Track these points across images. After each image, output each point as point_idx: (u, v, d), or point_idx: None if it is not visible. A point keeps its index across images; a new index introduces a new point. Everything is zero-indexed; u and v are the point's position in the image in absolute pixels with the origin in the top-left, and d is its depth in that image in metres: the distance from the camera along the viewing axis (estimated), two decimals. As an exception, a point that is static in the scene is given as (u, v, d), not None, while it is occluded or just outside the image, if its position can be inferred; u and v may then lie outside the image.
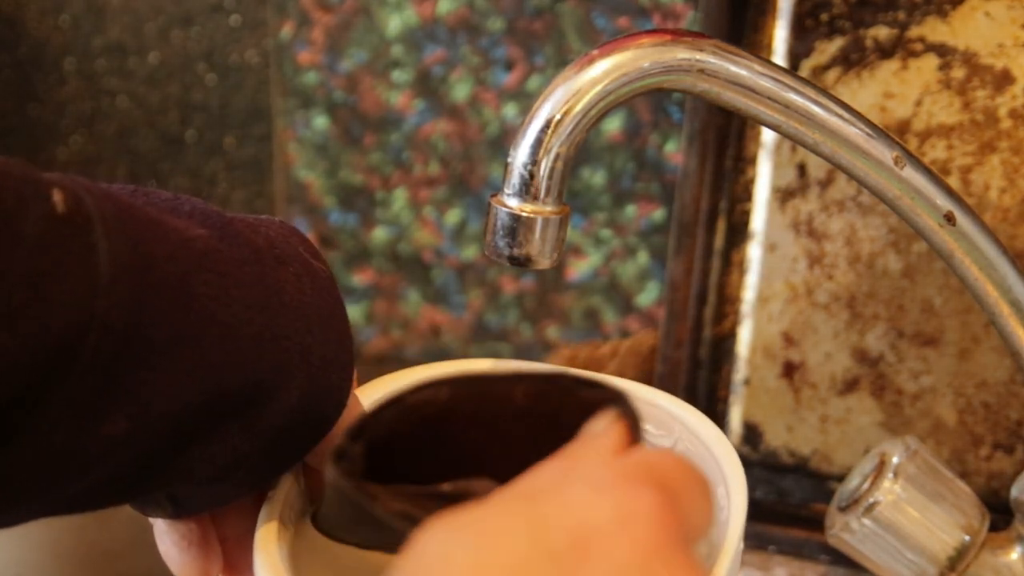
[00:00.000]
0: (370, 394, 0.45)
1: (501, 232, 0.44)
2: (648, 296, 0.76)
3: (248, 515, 0.42)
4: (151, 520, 0.42)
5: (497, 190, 0.45)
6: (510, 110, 0.74)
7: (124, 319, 0.32)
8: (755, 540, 0.69)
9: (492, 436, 0.35)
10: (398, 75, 0.75)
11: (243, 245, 0.37)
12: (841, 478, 0.67)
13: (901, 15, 0.62)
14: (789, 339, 0.67)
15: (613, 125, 0.73)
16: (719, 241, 0.68)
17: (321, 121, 0.78)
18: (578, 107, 0.43)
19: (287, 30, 0.76)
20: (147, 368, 0.33)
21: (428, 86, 0.75)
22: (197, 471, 0.37)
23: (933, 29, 0.61)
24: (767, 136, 0.66)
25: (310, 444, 0.40)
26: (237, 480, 0.39)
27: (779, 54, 0.64)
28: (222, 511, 0.42)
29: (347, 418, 0.41)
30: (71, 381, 0.32)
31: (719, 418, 0.69)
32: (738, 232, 0.67)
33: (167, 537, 0.41)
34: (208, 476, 0.37)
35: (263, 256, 0.37)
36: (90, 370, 0.32)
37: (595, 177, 0.74)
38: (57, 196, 0.32)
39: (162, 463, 0.36)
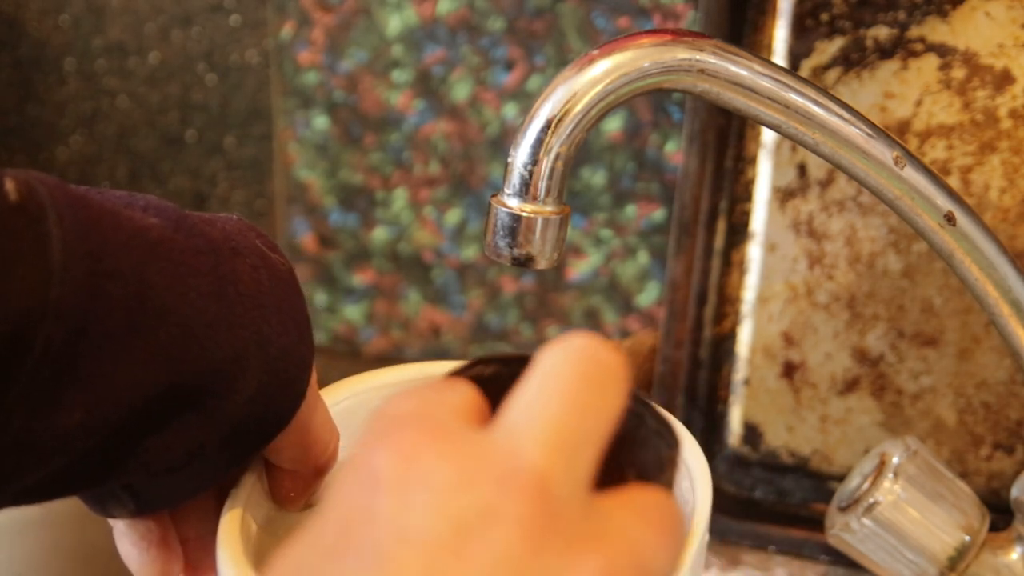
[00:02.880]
0: (334, 395, 0.45)
1: (501, 232, 0.44)
2: (648, 296, 0.76)
3: (209, 516, 0.42)
4: (111, 522, 0.42)
5: (497, 190, 0.45)
6: (510, 110, 0.74)
7: (78, 308, 0.32)
8: (755, 540, 0.69)
9: None
10: (398, 75, 0.75)
11: (198, 236, 0.36)
12: (841, 478, 0.67)
13: (901, 15, 0.62)
14: (789, 339, 0.67)
15: (613, 125, 0.73)
16: (719, 241, 0.68)
17: (321, 121, 0.78)
18: (578, 107, 0.43)
19: (287, 30, 0.76)
20: (102, 358, 0.33)
21: (428, 86, 0.75)
22: (154, 462, 0.36)
23: (933, 29, 0.61)
24: (767, 136, 0.66)
25: (269, 436, 0.40)
26: (195, 472, 0.38)
27: (779, 54, 0.64)
28: (182, 512, 0.42)
29: (308, 413, 0.40)
30: (25, 371, 0.31)
31: (719, 418, 0.69)
32: (738, 232, 0.67)
33: (126, 538, 0.41)
34: (166, 467, 0.37)
35: (218, 247, 0.37)
36: (44, 360, 0.32)
37: (595, 177, 0.74)
38: (9, 185, 0.32)
39: (119, 453, 0.35)
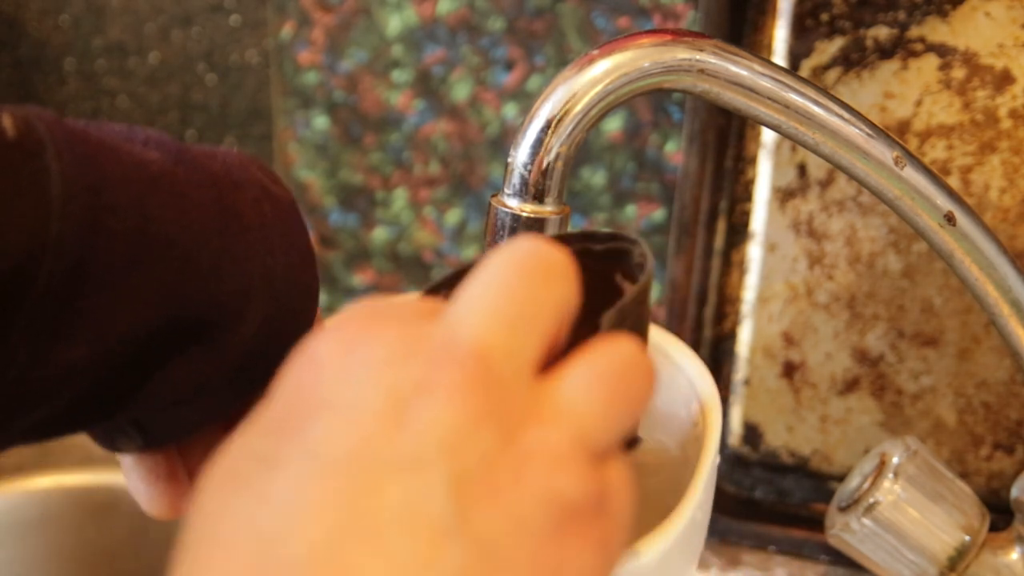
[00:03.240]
0: None
1: (501, 232, 0.44)
2: (648, 296, 0.76)
3: (217, 449, 0.42)
4: (119, 457, 0.42)
5: (497, 190, 0.45)
6: (510, 110, 0.74)
7: (79, 242, 0.32)
8: (755, 540, 0.69)
9: None
10: (398, 75, 0.75)
11: (199, 169, 0.36)
12: (841, 478, 0.67)
13: (901, 15, 0.62)
14: (789, 339, 0.67)
15: (613, 125, 0.73)
16: (719, 241, 0.68)
17: (321, 121, 0.78)
18: (578, 107, 0.43)
19: (287, 30, 0.76)
20: (105, 292, 0.33)
21: (428, 86, 0.75)
22: (161, 396, 0.36)
23: (933, 29, 0.61)
24: (767, 136, 0.66)
25: (276, 367, 0.39)
26: (202, 405, 0.38)
27: (779, 54, 0.64)
28: (191, 445, 0.42)
29: None
30: (28, 307, 0.31)
31: (719, 418, 0.69)
32: (738, 232, 0.67)
33: (135, 472, 0.41)
34: (172, 401, 0.37)
35: (220, 180, 0.37)
36: (46, 295, 0.31)
37: (595, 177, 0.74)
38: (7, 121, 0.31)
39: (125, 388, 0.35)
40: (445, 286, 0.33)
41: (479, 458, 0.25)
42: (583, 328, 0.29)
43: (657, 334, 0.43)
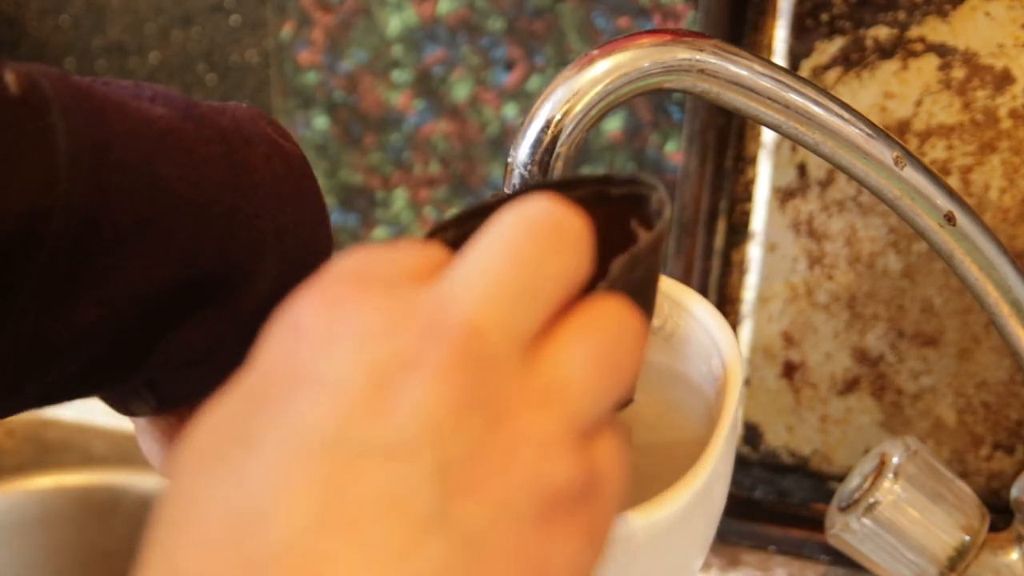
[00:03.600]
0: None
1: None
2: (648, 296, 0.76)
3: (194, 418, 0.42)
4: (132, 421, 0.41)
5: (497, 190, 0.45)
6: (510, 110, 0.74)
7: (87, 201, 0.31)
8: (755, 540, 0.69)
9: None
10: (398, 75, 0.75)
11: (208, 125, 0.35)
12: (841, 478, 0.67)
13: (901, 15, 0.62)
14: (789, 339, 0.67)
15: (613, 125, 0.73)
16: (719, 241, 0.68)
17: (321, 121, 0.78)
18: (578, 107, 0.43)
19: (287, 30, 0.76)
20: (115, 251, 0.32)
21: (428, 86, 0.75)
22: (174, 356, 0.35)
23: (933, 29, 0.61)
24: (767, 136, 0.66)
25: None
26: (216, 366, 0.37)
27: (779, 54, 0.64)
28: (203, 406, 0.42)
29: None
30: (37, 268, 0.31)
31: (719, 418, 0.69)
32: (738, 232, 0.67)
33: (148, 434, 0.40)
34: (186, 362, 0.36)
35: (229, 136, 0.36)
36: (56, 256, 0.31)
37: (595, 177, 0.74)
38: (10, 78, 0.31)
39: (137, 349, 0.34)
40: (454, 225, 0.30)
41: (465, 445, 0.23)
42: (592, 275, 0.27)
43: (674, 287, 0.41)
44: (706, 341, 0.40)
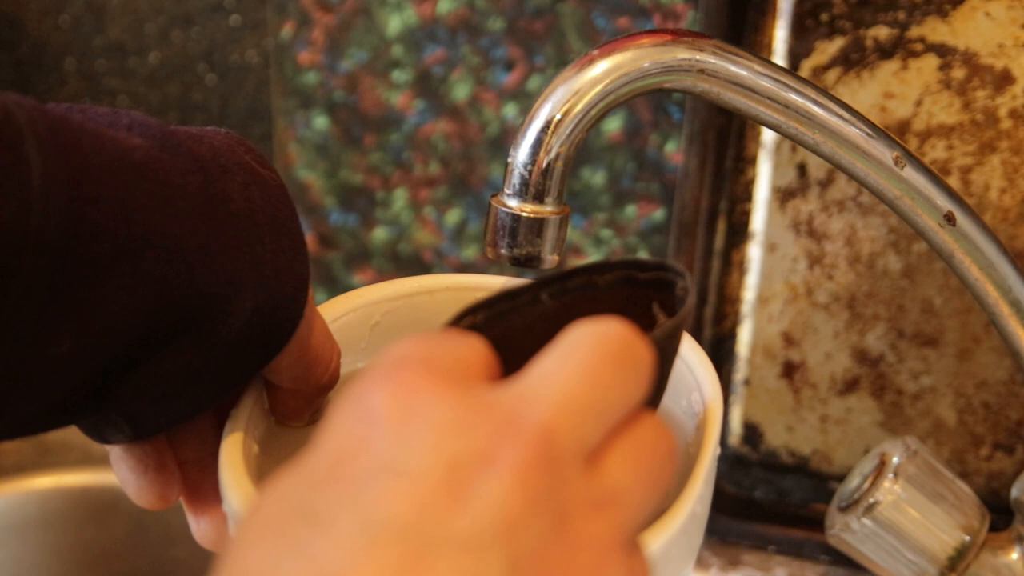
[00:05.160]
0: (333, 311, 0.45)
1: (501, 232, 0.44)
2: (648, 296, 0.76)
3: (207, 438, 0.41)
4: (107, 448, 0.41)
5: (497, 190, 0.45)
6: (510, 110, 0.74)
7: (61, 235, 0.31)
8: (755, 540, 0.69)
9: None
10: (398, 75, 0.75)
11: (185, 155, 0.35)
12: (841, 478, 0.67)
13: (901, 15, 0.62)
14: (789, 339, 0.67)
15: (613, 125, 0.73)
16: (719, 241, 0.68)
17: (321, 121, 0.78)
18: (578, 107, 0.43)
19: (287, 30, 0.76)
20: (89, 285, 0.32)
21: (428, 86, 0.75)
22: (151, 388, 0.35)
23: (933, 29, 0.61)
24: (767, 136, 0.66)
25: (267, 357, 0.39)
26: (193, 395, 0.37)
27: (779, 54, 0.64)
28: (180, 435, 0.41)
29: (306, 331, 0.39)
30: (10, 302, 0.30)
31: (719, 418, 0.69)
32: (738, 232, 0.67)
33: (123, 463, 0.40)
34: (163, 392, 0.36)
35: (207, 165, 0.36)
36: (29, 290, 0.31)
37: (595, 177, 0.74)
38: None
39: (113, 381, 0.35)
40: (483, 308, 0.31)
41: (534, 544, 0.24)
42: None
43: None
44: (687, 377, 0.41)
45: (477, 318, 0.31)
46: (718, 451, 0.37)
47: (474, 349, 0.27)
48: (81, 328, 0.32)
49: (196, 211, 0.35)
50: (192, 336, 0.35)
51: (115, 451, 0.41)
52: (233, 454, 0.38)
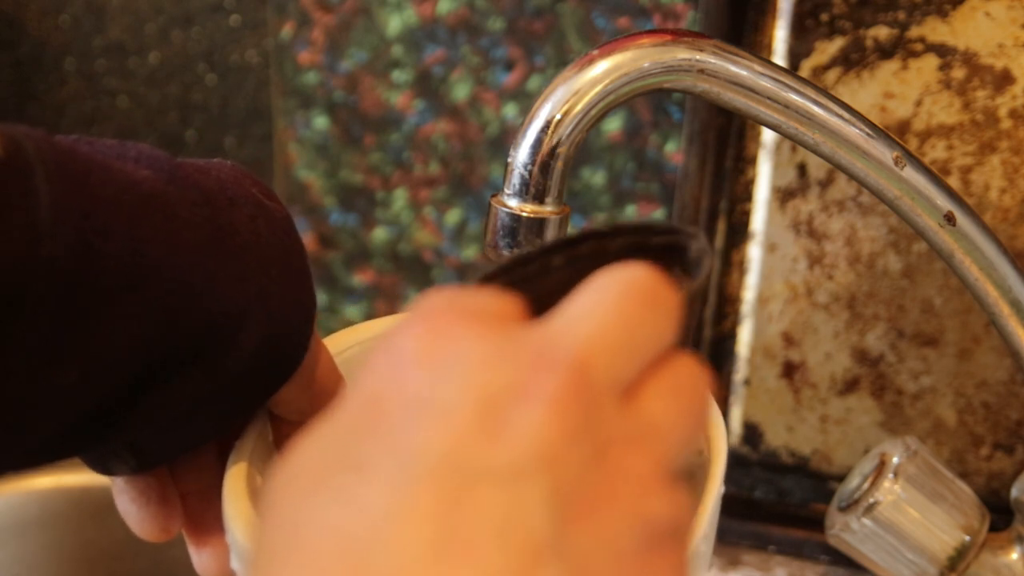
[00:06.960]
0: (338, 344, 0.45)
1: (501, 232, 0.44)
2: (648, 296, 0.75)
3: (210, 469, 0.42)
4: (111, 480, 0.41)
5: (497, 190, 0.45)
6: (510, 110, 0.74)
7: (69, 267, 0.31)
8: (755, 540, 0.69)
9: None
10: (398, 75, 0.75)
11: (192, 187, 0.36)
12: (841, 478, 0.67)
13: (901, 15, 0.62)
14: (789, 339, 0.67)
15: (613, 125, 0.73)
16: (719, 241, 0.68)
17: (321, 121, 0.78)
18: (578, 107, 0.43)
19: (287, 30, 0.76)
20: (96, 317, 0.32)
21: (428, 86, 0.75)
22: (157, 418, 0.36)
23: (933, 29, 0.61)
24: (767, 136, 0.66)
25: (272, 389, 0.39)
26: (197, 426, 0.38)
27: (779, 54, 0.64)
28: (182, 466, 0.42)
29: (311, 363, 0.40)
30: (18, 332, 0.31)
31: (719, 418, 0.69)
32: (738, 232, 0.67)
33: (125, 495, 0.41)
34: (169, 422, 0.36)
35: (214, 198, 0.36)
36: (37, 321, 0.31)
37: (595, 177, 0.74)
38: None
39: (119, 412, 0.35)
40: (502, 274, 0.31)
41: (576, 474, 0.24)
42: None
43: None
44: None
45: (498, 283, 0.30)
46: (722, 490, 0.37)
47: (501, 297, 0.27)
48: (88, 358, 0.32)
49: (203, 243, 0.35)
50: (199, 367, 0.36)
51: (118, 483, 0.41)
52: (237, 486, 0.38)
